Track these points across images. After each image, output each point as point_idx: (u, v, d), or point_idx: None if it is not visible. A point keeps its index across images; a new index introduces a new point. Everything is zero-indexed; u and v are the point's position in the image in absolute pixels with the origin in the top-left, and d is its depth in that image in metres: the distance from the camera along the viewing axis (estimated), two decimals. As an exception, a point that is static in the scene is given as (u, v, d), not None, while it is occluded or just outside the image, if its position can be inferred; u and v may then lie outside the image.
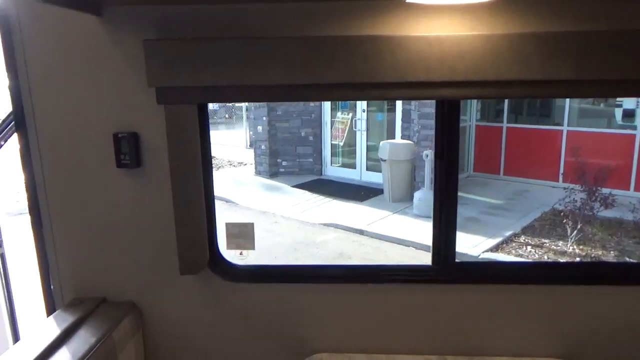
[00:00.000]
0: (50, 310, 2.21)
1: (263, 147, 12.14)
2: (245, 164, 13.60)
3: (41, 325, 1.95)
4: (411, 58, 1.73)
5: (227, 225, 2.14)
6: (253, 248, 2.16)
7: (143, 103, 1.94)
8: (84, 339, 1.85)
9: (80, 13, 1.85)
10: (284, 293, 2.12)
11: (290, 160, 12.17)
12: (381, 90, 1.81)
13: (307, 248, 8.02)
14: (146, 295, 2.15)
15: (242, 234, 2.17)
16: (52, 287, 2.19)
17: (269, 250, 7.83)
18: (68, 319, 1.98)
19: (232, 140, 16.60)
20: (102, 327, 1.95)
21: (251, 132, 14.01)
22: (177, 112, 1.87)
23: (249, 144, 15.21)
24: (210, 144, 2.04)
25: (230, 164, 13.94)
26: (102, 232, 2.11)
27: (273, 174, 12.10)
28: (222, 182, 11.78)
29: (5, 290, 3.15)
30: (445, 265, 2.08)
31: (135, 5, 1.86)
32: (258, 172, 12.37)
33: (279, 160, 12.15)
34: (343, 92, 1.85)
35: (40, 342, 1.76)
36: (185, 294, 2.14)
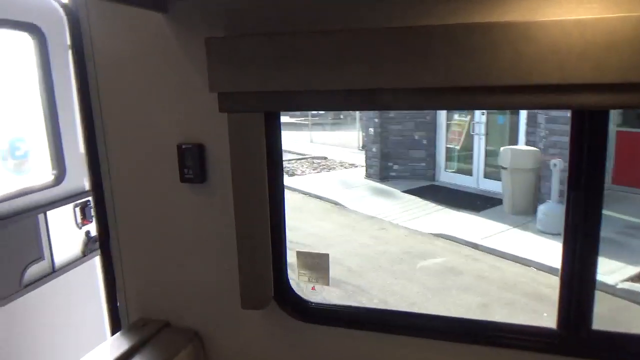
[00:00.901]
0: (114, 326, 2.08)
1: (374, 149, 11.80)
2: (357, 166, 13.38)
3: (103, 348, 1.81)
4: (540, 52, 1.27)
5: (299, 254, 1.83)
6: (327, 283, 1.82)
7: (210, 110, 1.69)
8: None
9: (146, 10, 1.65)
10: (363, 342, 1.74)
11: (402, 164, 11.67)
12: (496, 96, 1.37)
13: (414, 259, 7.52)
14: (209, 324, 1.92)
15: (316, 266, 1.84)
16: (118, 304, 2.06)
17: (372, 259, 7.48)
18: (128, 342, 1.82)
19: (345, 141, 16.49)
20: (159, 357, 1.75)
21: (363, 134, 13.74)
22: (242, 121, 1.59)
23: (361, 145, 14.99)
24: (281, 157, 1.74)
25: (342, 166, 13.82)
26: (166, 252, 1.91)
27: (384, 178, 11.71)
28: (332, 184, 11.66)
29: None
30: (577, 334, 1.55)
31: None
32: (368, 175, 12.06)
33: (390, 163, 11.73)
34: (443, 99, 1.43)
35: None
36: (250, 328, 1.86)
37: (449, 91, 1.38)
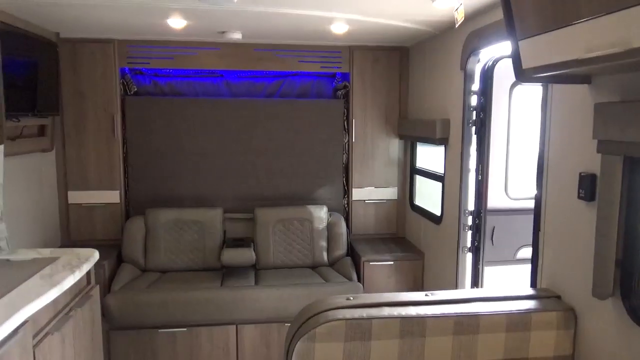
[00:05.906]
0: (532, 284, 3.12)
1: None
2: None
3: (522, 287, 2.94)
4: None
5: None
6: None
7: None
8: (526, 306, 2.70)
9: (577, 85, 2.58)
10: None
11: None
12: None
13: None
14: (579, 303, 2.63)
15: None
16: (537, 273, 3.06)
17: None
18: (535, 292, 2.90)
19: None
20: (535, 308, 2.70)
21: None
22: (608, 161, 2.28)
23: None
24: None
25: None
26: (568, 246, 2.74)
27: None
28: None
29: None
30: None
31: (607, 75, 2.37)
32: None
33: None
34: None
35: (494, 293, 2.81)
36: (598, 314, 2.47)
37: None
